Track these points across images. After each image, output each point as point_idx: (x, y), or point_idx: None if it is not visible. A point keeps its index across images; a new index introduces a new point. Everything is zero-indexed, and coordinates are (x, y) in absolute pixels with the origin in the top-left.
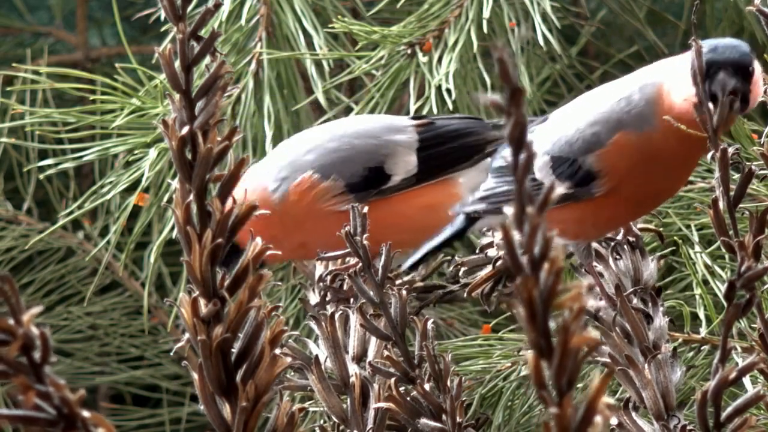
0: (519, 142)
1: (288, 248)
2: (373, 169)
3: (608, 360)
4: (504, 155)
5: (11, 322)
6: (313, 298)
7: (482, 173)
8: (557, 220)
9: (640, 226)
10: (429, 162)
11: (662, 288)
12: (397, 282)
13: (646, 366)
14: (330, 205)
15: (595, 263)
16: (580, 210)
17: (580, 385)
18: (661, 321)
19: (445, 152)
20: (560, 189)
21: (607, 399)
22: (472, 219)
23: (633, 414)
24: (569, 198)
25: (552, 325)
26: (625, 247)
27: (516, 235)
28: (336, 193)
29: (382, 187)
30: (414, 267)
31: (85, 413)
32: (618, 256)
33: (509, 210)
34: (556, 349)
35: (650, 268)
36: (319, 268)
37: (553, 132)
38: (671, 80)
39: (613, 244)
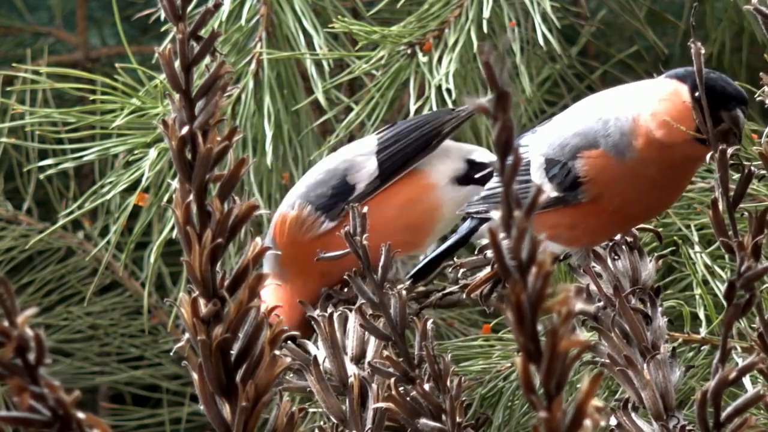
0: (506, 146)
1: (305, 291)
2: (337, 186)
3: (607, 360)
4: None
5: (6, 323)
6: None
7: (447, 158)
8: (551, 224)
9: (638, 226)
10: (388, 161)
11: (661, 288)
12: (398, 286)
13: (645, 366)
14: (307, 231)
15: (593, 264)
16: (571, 215)
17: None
18: (659, 321)
19: (401, 147)
20: (549, 192)
21: (596, 402)
22: (474, 228)
23: (632, 414)
24: (560, 202)
25: (541, 328)
26: (624, 247)
27: (504, 239)
28: (307, 217)
29: (349, 198)
30: (419, 276)
31: (80, 414)
32: (616, 257)
33: (496, 213)
34: (544, 352)
35: (648, 268)
36: None
37: (550, 134)
38: (646, 110)
39: (611, 244)
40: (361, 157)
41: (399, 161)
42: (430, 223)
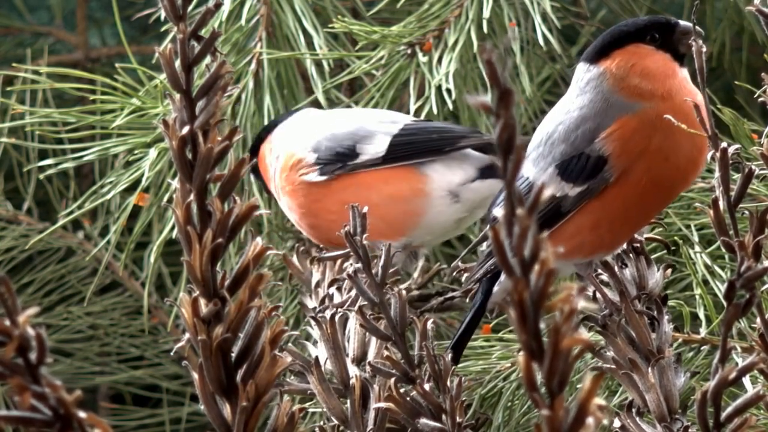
0: (508, 145)
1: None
2: (346, 147)
3: (612, 366)
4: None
5: (7, 323)
6: (310, 303)
7: (453, 169)
8: (571, 234)
9: (645, 235)
10: (399, 147)
11: (668, 296)
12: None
13: (649, 370)
14: (300, 175)
15: (600, 271)
16: (594, 212)
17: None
18: (666, 327)
19: (417, 141)
20: (571, 192)
21: (599, 400)
22: (488, 291)
23: (636, 418)
24: (584, 196)
25: (543, 326)
26: (631, 255)
27: (506, 237)
28: (308, 164)
29: (348, 162)
30: (456, 348)
31: (81, 414)
32: (623, 265)
33: (499, 212)
34: (547, 350)
35: (656, 275)
36: (316, 275)
37: (546, 151)
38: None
39: (618, 253)
40: (381, 134)
41: (406, 151)
42: (408, 226)
